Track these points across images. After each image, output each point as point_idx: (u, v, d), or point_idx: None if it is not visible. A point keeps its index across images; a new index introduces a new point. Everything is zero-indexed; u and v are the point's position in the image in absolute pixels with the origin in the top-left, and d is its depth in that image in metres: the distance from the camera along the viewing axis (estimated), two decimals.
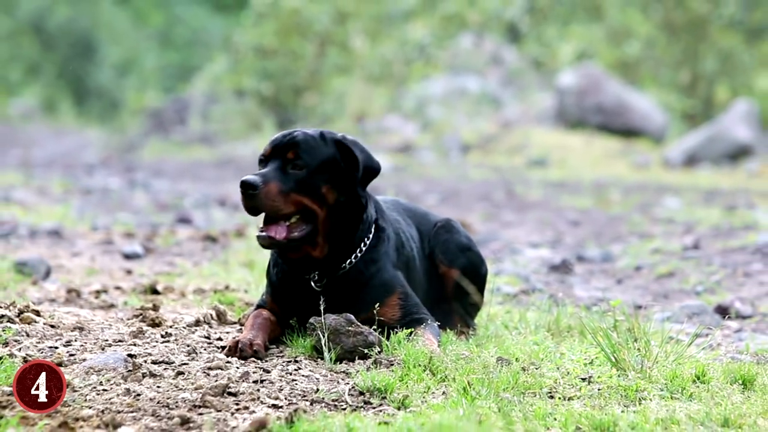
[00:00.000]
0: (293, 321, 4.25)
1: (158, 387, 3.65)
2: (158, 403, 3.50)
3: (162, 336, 4.31)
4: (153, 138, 20.73)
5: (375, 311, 4.18)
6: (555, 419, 3.50)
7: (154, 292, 5.61)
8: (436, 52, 22.00)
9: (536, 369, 4.04)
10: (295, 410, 3.37)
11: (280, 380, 3.78)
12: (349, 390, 3.69)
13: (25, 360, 3.88)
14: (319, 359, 4.03)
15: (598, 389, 3.85)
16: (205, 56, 28.36)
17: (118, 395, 3.56)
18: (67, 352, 4.04)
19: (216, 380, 3.71)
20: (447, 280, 4.67)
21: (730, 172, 15.80)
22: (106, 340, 4.23)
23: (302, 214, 4.10)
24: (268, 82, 21.08)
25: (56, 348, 4.09)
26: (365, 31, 21.90)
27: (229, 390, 3.61)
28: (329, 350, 4.00)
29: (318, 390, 3.68)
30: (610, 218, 10.60)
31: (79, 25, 31.29)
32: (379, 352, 4.04)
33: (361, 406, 3.57)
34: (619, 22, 21.85)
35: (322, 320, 4.03)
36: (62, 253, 7.33)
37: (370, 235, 4.26)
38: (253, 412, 3.45)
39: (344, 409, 3.54)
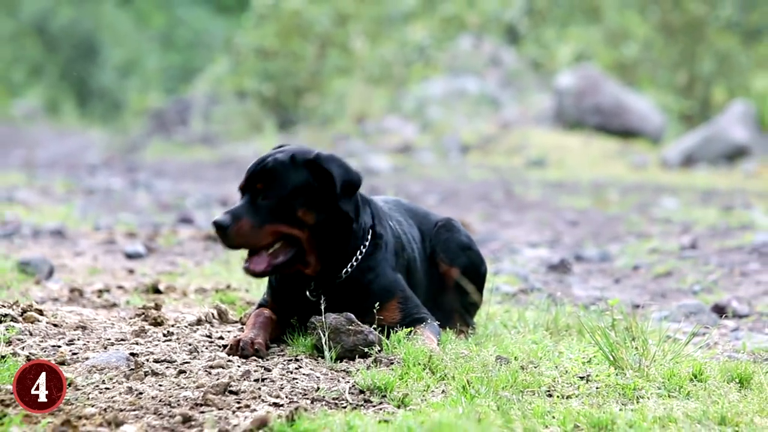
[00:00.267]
0: (294, 320, 4.28)
1: (160, 385, 3.67)
2: (160, 401, 3.51)
3: (164, 335, 4.33)
4: (155, 139, 20.70)
5: (375, 312, 4.19)
6: (553, 417, 3.52)
7: (156, 291, 5.63)
8: (436, 53, 21.98)
9: (535, 368, 4.06)
10: (296, 408, 3.39)
11: (281, 379, 3.79)
12: (350, 388, 3.71)
13: (28, 359, 3.90)
14: (319, 358, 4.04)
15: (596, 388, 3.87)
16: (207, 58, 28.31)
17: (120, 394, 3.58)
18: (70, 350, 4.06)
19: (217, 379, 3.73)
20: (447, 279, 4.68)
21: (727, 173, 15.78)
22: (109, 339, 4.25)
23: (284, 239, 4.09)
24: (269, 84, 21.06)
25: (59, 347, 4.11)
26: (365, 33, 21.88)
27: (231, 388, 3.63)
28: (330, 349, 4.02)
29: (318, 388, 3.70)
30: (608, 218, 10.60)
31: (82, 27, 31.25)
32: (379, 351, 4.06)
33: (362, 405, 3.59)
34: (616, 24, 21.83)
35: (323, 319, 4.06)
36: (65, 252, 7.35)
37: (366, 243, 4.25)
38: (254, 410, 3.46)
39: (344, 407, 3.56)
